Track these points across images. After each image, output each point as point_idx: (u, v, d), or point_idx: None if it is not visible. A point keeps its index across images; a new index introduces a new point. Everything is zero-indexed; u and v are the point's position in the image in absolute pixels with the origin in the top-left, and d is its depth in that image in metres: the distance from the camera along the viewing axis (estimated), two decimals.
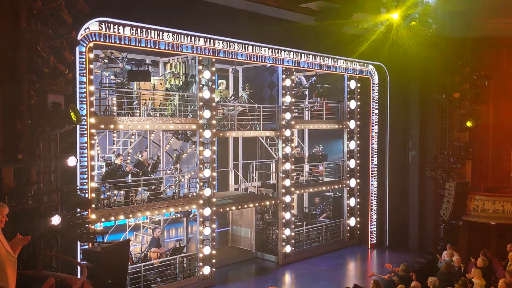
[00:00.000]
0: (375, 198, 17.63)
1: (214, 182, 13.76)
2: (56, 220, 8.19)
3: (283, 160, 15.39)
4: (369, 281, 12.01)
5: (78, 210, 9.28)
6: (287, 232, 15.45)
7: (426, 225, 16.89)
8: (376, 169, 17.58)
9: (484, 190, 16.25)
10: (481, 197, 15.86)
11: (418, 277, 11.92)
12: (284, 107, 15.29)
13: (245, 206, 15.04)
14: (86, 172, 10.44)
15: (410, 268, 12.67)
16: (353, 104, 17.31)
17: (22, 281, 6.04)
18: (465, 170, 16.25)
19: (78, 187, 10.05)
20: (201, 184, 13.21)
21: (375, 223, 17.59)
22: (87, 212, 9.96)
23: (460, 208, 15.67)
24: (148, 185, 12.41)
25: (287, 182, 15.45)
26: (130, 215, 12.00)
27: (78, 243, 9.84)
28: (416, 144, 17.00)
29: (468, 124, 15.58)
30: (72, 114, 8.18)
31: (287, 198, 15.48)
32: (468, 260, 14.09)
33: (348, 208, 17.49)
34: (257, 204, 15.50)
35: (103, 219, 11.15)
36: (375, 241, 17.52)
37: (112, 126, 11.46)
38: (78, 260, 9.68)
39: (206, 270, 13.18)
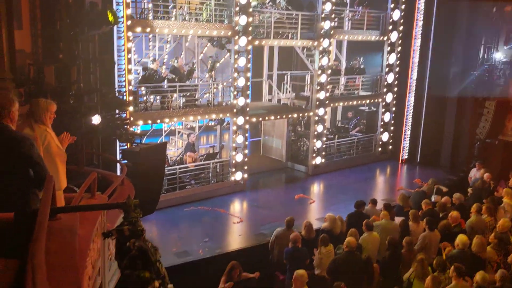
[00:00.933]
0: (411, 114, 17.37)
1: (248, 92, 13.78)
2: (96, 119, 8.50)
3: (319, 72, 15.13)
4: (397, 194, 12.25)
5: (117, 111, 9.56)
6: (318, 144, 15.61)
7: (460, 143, 16.66)
8: (415, 83, 17.11)
9: None
10: None
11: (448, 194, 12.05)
12: (323, 15, 14.72)
13: (278, 117, 15.14)
14: (124, 75, 10.59)
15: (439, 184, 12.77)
16: (396, 15, 16.45)
17: (66, 175, 6.43)
18: (508, 88, 15.60)
19: (116, 89, 10.26)
20: (235, 93, 13.26)
21: (408, 138, 17.50)
22: (125, 114, 10.26)
23: (497, 127, 15.31)
24: (183, 92, 12.56)
25: (322, 95, 15.31)
26: (166, 120, 12.30)
27: (118, 143, 10.26)
28: (459, 59, 16.26)
29: None
30: (109, 14, 8.14)
31: (321, 111, 15.43)
32: (499, 180, 14.03)
33: (382, 123, 17.36)
34: (290, 116, 15.56)
35: (140, 122, 11.49)
36: (406, 157, 17.55)
37: (148, 30, 11.40)
38: (118, 159, 10.15)
39: (238, 175, 13.66)
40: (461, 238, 8.54)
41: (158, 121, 12.16)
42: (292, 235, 8.94)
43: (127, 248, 2.95)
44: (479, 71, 16.00)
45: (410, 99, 17.22)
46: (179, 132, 14.96)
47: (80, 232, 4.64)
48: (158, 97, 12.28)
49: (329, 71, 15.42)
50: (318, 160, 15.70)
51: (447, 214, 10.26)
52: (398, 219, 10.26)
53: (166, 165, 11.95)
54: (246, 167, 13.82)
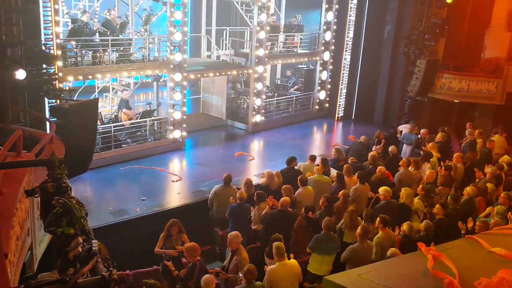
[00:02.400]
0: (347, 72, 17.72)
1: (186, 47, 13.43)
2: (20, 74, 7.98)
3: (258, 29, 14.97)
4: (332, 150, 12.65)
5: (44, 66, 9.01)
6: (258, 102, 15.64)
7: (392, 100, 17.31)
8: (351, 42, 17.39)
9: (453, 68, 16.47)
10: (449, 75, 16.11)
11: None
12: None
13: (217, 74, 14.95)
14: (51, 28, 9.93)
15: (370, 140, 13.34)
16: None
17: None
18: (437, 48, 16.21)
19: (42, 42, 9.63)
20: (172, 48, 12.87)
21: (344, 96, 17.92)
22: (53, 69, 9.69)
23: (427, 85, 15.98)
24: (116, 46, 12.03)
25: (261, 52, 15.22)
26: (99, 76, 11.78)
27: (46, 100, 9.73)
28: (393, 18, 16.63)
29: (448, 0, 15.19)
30: None
31: (260, 69, 15.38)
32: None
33: (319, 81, 17.61)
34: (229, 73, 15.40)
35: (71, 78, 10.93)
36: (342, 114, 18.03)
37: None
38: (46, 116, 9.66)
39: (177, 133, 13.48)
40: (384, 189, 9.05)
41: (90, 77, 11.64)
42: (238, 192, 9.06)
43: (52, 206, 2.85)
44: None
45: (347, 57, 17.52)
46: (113, 89, 14.42)
47: (5, 191, 4.42)
48: (89, 52, 11.68)
49: (268, 28, 15.28)
50: (258, 118, 15.79)
51: (376, 167, 10.79)
52: (334, 172, 10.66)
53: (99, 123, 11.56)
54: (184, 125, 13.65)
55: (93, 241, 3.01)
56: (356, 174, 9.99)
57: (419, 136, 13.48)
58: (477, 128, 14.10)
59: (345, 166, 10.64)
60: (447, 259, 2.13)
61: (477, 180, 10.64)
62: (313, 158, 11.24)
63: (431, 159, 11.53)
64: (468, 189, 9.45)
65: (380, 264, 2.37)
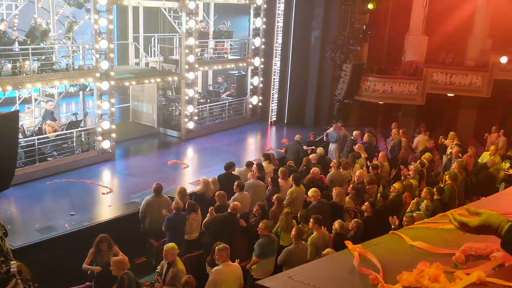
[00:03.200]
0: (278, 77, 18.03)
1: (112, 55, 13.05)
2: None
3: (187, 35, 14.86)
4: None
5: None
6: (190, 108, 15.50)
7: (322, 103, 17.82)
8: (280, 48, 17.71)
9: (377, 71, 17.26)
10: (373, 78, 16.87)
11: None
12: None
13: (147, 81, 14.65)
14: None
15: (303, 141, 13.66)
16: None
17: None
18: (362, 53, 16.94)
19: None
20: (98, 56, 12.46)
21: (276, 101, 18.20)
22: None
23: (353, 88, 16.62)
24: (38, 55, 11.45)
25: (191, 58, 15.11)
26: (19, 87, 11.15)
27: None
28: (319, 24, 17.15)
29: (370, 6, 15.90)
30: None
31: (191, 75, 15.26)
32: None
33: (251, 86, 17.76)
34: (159, 80, 15.15)
35: None
36: (275, 119, 18.29)
37: None
38: None
39: (106, 144, 13.03)
40: (312, 190, 9.27)
41: (10, 88, 10.96)
42: (174, 202, 8.88)
43: None
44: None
45: (277, 63, 17.82)
46: (36, 99, 13.69)
47: None
48: (9, 62, 11.03)
49: (197, 34, 15.22)
50: (191, 125, 15.64)
51: (309, 168, 11.04)
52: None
53: (21, 136, 10.93)
54: (114, 135, 13.22)
55: (12, 262, 2.81)
56: (291, 177, 10.15)
57: (352, 137, 13.93)
58: (401, 127, 14.82)
59: (280, 169, 10.79)
60: (372, 256, 2.19)
61: (402, 177, 11.18)
62: (249, 164, 11.26)
63: (359, 159, 11.99)
64: (396, 186, 9.91)
65: (310, 264, 2.40)
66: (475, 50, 17.48)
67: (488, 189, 9.55)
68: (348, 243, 2.42)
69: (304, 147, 13.38)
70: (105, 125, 12.89)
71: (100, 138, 12.87)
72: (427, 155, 12.35)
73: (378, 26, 17.44)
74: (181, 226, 8.83)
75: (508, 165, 11.32)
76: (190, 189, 10.52)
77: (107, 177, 12.47)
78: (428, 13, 17.15)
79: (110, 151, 13.18)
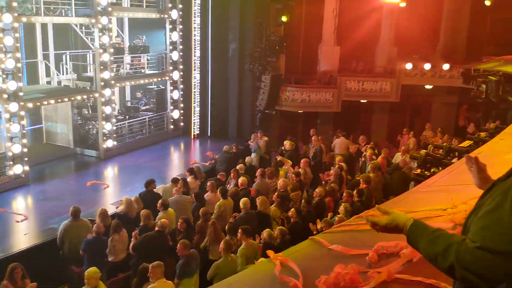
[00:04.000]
0: (198, 90, 17.97)
1: (21, 74, 12.33)
2: None
3: (101, 51, 14.40)
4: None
5: None
6: (108, 126, 14.99)
7: (244, 115, 18.01)
8: (199, 61, 17.69)
9: (294, 82, 17.78)
10: (291, 88, 17.36)
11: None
12: None
13: (59, 100, 13.98)
14: None
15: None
16: None
17: None
18: (279, 63, 17.39)
19: None
20: (4, 76, 11.70)
21: (197, 114, 18.12)
22: None
23: (273, 99, 16.99)
24: None
25: (106, 75, 14.65)
26: None
27: None
28: (236, 37, 17.38)
29: (283, 18, 16.38)
30: None
31: (107, 92, 14.79)
32: (279, 145, 15.73)
33: (171, 100, 17.55)
34: (73, 98, 14.52)
35: None
36: (198, 132, 18.18)
37: None
38: None
39: (18, 169, 12.23)
40: (242, 201, 9.33)
41: None
42: (94, 226, 8.47)
43: None
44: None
45: (196, 76, 17.78)
46: None
47: None
48: None
49: (112, 50, 14.81)
50: (110, 143, 15.11)
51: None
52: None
53: None
54: (26, 159, 12.44)
55: None
56: (218, 190, 10.11)
57: (282, 148, 14.19)
58: (320, 134, 15.35)
59: (209, 183, 10.71)
60: (292, 263, 2.24)
61: (323, 182, 11.55)
62: (175, 180, 11.04)
63: (283, 167, 12.24)
64: (318, 191, 10.20)
65: (234, 277, 2.40)
66: (382, 58, 18.56)
67: (403, 188, 10.13)
68: (269, 252, 2.46)
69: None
70: (16, 148, 12.10)
71: (11, 162, 12.05)
72: (340, 158, 12.86)
73: (293, 37, 18.01)
74: (101, 249, 8.46)
75: (415, 164, 12.12)
76: (112, 210, 10.13)
77: (21, 203, 11.69)
78: (339, 24, 17.99)
79: (23, 176, 12.38)
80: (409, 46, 18.00)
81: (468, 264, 1.58)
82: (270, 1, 16.23)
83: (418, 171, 4.76)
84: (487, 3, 17.10)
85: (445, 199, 2.73)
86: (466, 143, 5.82)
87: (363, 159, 13.09)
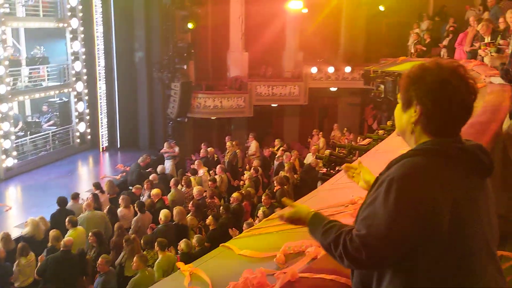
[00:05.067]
0: (105, 102, 17.30)
1: None
2: None
3: None
4: (102, 183, 12.11)
5: None
6: (7, 144, 13.93)
7: (155, 124, 17.66)
8: (104, 71, 17.05)
9: (205, 88, 17.77)
10: (203, 95, 17.33)
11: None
12: None
13: None
14: None
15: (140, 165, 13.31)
16: (73, 1, 15.88)
17: None
18: (188, 70, 17.28)
19: None
20: None
21: (105, 126, 17.43)
22: None
23: (185, 106, 16.83)
24: None
25: (2, 89, 13.62)
26: None
27: None
28: (142, 45, 17.01)
29: (190, 25, 16.31)
30: None
31: (3, 107, 13.74)
32: (194, 153, 15.60)
33: (76, 113, 16.71)
34: None
35: None
36: (106, 144, 17.49)
37: None
38: None
39: None
40: (163, 213, 9.11)
41: None
42: None
43: None
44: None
45: (102, 86, 17.11)
46: None
47: None
48: None
49: (7, 62, 13.80)
50: (10, 162, 14.03)
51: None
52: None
53: None
54: None
55: None
56: (135, 204, 9.77)
57: (208, 156, 14.03)
58: (234, 140, 15.47)
59: (121, 197, 10.30)
60: (202, 273, 2.21)
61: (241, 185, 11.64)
62: (75, 196, 10.48)
63: (201, 175, 12.17)
64: (234, 196, 10.24)
65: None
66: (289, 62, 19.16)
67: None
68: (179, 264, 2.41)
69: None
70: None
71: None
72: (256, 162, 13.07)
73: (201, 44, 18.02)
74: (4, 276, 7.82)
75: (321, 164, 12.63)
76: (16, 233, 9.41)
77: None
78: (245, 30, 18.29)
79: None
80: (314, 51, 18.77)
81: (351, 251, 1.65)
82: (175, 8, 16.06)
83: (324, 170, 4.97)
84: (382, 8, 18.39)
85: (347, 196, 2.86)
86: (366, 141, 6.17)
87: (277, 161, 13.38)
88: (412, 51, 15.26)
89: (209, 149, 14.12)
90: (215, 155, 14.33)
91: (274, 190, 10.27)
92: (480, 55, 9.19)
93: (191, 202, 10.13)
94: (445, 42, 13.42)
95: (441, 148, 1.68)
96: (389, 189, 1.62)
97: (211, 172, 12.64)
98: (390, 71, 13.58)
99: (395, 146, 3.43)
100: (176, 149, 14.30)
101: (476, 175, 1.72)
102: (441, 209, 1.60)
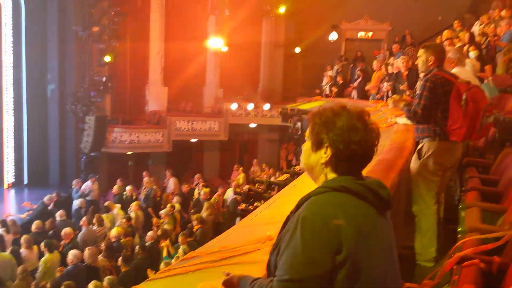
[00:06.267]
0: (12, 134, 16.20)
1: None
2: None
3: None
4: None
5: None
6: None
7: (67, 159, 16.80)
8: (12, 102, 16.04)
9: (122, 122, 17.29)
10: (119, 129, 16.83)
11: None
12: None
13: None
14: None
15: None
16: None
17: None
18: (105, 104, 16.77)
19: None
20: None
21: (12, 160, 16.26)
22: None
23: (99, 141, 16.18)
24: None
25: None
26: None
27: None
28: (55, 77, 16.32)
29: (107, 58, 15.93)
30: None
31: None
32: (109, 189, 14.97)
33: None
34: None
35: None
36: (13, 181, 16.26)
37: None
38: None
39: None
40: (72, 253, 8.55)
41: None
42: None
43: None
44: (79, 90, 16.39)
45: (9, 118, 16.04)
46: None
47: None
48: None
49: None
50: None
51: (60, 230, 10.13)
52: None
53: None
54: None
55: None
56: (42, 244, 9.08)
57: (125, 193, 13.44)
58: (152, 175, 15.09)
59: (24, 237, 9.52)
60: None
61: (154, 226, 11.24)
62: None
63: (116, 212, 11.65)
64: (150, 234, 9.89)
65: None
66: (210, 98, 19.33)
67: None
68: None
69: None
70: None
71: None
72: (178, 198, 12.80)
73: (119, 77, 17.62)
74: None
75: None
76: None
77: None
78: (165, 65, 18.24)
79: None
80: (234, 88, 19.12)
81: None
82: (92, 41, 15.66)
83: (243, 206, 4.96)
84: (297, 50, 19.32)
85: (264, 232, 2.85)
86: (284, 177, 6.30)
87: (197, 197, 13.19)
88: (327, 92, 16.05)
89: (128, 187, 13.63)
90: (133, 193, 13.80)
91: (194, 230, 10.08)
92: (386, 96, 9.89)
93: (103, 242, 9.64)
94: (355, 84, 14.25)
95: (346, 185, 1.80)
96: (301, 228, 1.70)
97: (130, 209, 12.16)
98: (306, 110, 14.14)
99: (309, 182, 3.52)
100: (90, 185, 13.64)
101: (377, 209, 1.83)
102: (348, 245, 1.69)
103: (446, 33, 11.58)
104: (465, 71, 5.39)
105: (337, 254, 1.68)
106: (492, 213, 4.03)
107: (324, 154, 1.86)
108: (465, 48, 8.62)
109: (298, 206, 1.81)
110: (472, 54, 8.81)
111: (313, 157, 1.90)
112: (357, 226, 1.73)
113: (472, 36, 10.58)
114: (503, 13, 10.97)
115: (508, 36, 9.20)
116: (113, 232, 10.12)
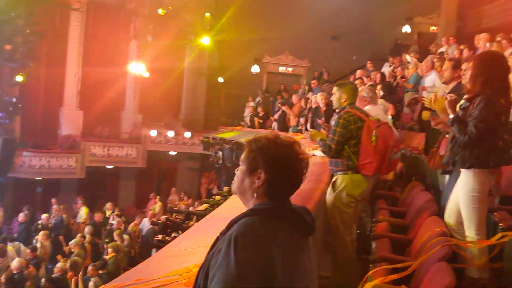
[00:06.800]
0: None
1: None
2: None
3: None
4: None
5: None
6: None
7: None
8: None
9: (32, 146, 16.30)
10: (28, 153, 15.84)
11: None
12: None
13: None
14: None
15: None
16: None
17: None
18: (13, 126, 15.73)
19: None
20: None
21: None
22: None
23: (6, 165, 15.12)
24: None
25: None
26: None
27: None
28: None
29: (19, 78, 15.06)
30: None
31: None
32: (13, 217, 13.96)
33: None
34: None
35: None
36: None
37: None
38: None
39: None
40: None
41: None
42: None
43: None
44: None
45: None
46: None
47: None
48: None
49: None
50: None
51: None
52: None
53: None
54: None
55: None
56: None
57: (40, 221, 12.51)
58: (62, 203, 14.27)
59: None
60: None
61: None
62: None
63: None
64: (59, 266, 9.31)
65: None
66: (128, 124, 18.81)
67: None
68: None
69: None
70: None
71: None
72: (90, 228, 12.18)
73: (31, 99, 16.70)
74: None
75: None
76: None
77: None
78: (82, 88, 17.58)
79: None
80: (154, 114, 18.81)
81: None
82: (3, 59, 14.76)
83: (160, 237, 4.84)
84: (220, 80, 19.55)
85: (183, 264, 2.79)
86: (203, 207, 6.25)
87: (109, 227, 12.63)
88: (249, 123, 16.30)
89: (43, 215, 12.78)
90: (40, 221, 12.93)
91: (107, 259, 9.61)
92: (305, 129, 10.28)
93: (3, 275, 8.89)
94: (276, 116, 14.63)
95: (274, 209, 1.90)
96: (232, 248, 1.76)
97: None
98: (228, 139, 14.23)
99: (230, 212, 3.53)
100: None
101: (301, 234, 1.94)
102: (276, 265, 1.78)
103: (359, 72, 12.37)
104: (376, 109, 5.76)
105: (268, 272, 1.75)
106: (400, 243, 4.28)
107: (258, 179, 1.94)
108: (378, 87, 9.20)
109: (229, 227, 1.88)
110: (381, 93, 9.47)
111: (247, 181, 1.98)
112: (285, 247, 1.81)
113: (383, 76, 11.37)
114: (409, 57, 11.85)
115: (414, 79, 9.98)
116: (15, 263, 9.38)
